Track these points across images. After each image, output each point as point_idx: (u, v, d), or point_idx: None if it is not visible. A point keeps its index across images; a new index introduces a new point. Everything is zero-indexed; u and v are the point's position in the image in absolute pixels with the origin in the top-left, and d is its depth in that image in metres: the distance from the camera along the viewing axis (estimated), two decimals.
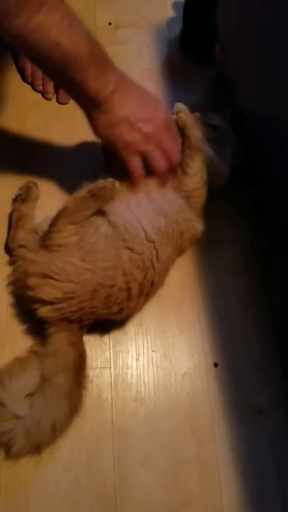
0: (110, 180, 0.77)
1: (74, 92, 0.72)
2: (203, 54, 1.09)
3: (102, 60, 0.70)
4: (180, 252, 0.83)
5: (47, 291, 0.72)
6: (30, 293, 0.73)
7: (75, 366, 0.73)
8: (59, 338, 0.74)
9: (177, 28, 1.13)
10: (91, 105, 0.72)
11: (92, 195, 0.76)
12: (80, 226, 0.77)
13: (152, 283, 0.77)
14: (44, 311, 0.73)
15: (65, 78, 0.68)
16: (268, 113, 0.80)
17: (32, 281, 0.73)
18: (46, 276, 0.73)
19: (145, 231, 0.76)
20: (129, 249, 0.75)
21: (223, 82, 1.01)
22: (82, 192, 0.77)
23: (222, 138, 0.88)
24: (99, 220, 0.78)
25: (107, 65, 0.71)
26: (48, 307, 0.73)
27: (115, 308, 0.75)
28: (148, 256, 0.76)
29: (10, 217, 0.87)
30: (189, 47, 1.11)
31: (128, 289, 0.74)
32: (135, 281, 0.74)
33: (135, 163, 0.77)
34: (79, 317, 0.74)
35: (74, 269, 0.73)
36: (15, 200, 0.88)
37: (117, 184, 0.77)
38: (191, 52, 1.11)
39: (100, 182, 0.77)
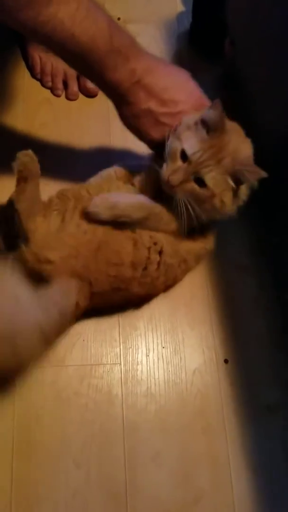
0: (20, 153, 0.72)
1: (96, 81, 0.70)
2: (212, 49, 1.08)
3: (124, 50, 0.65)
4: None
5: (52, 254, 0.69)
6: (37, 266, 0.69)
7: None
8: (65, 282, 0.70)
9: (187, 23, 1.12)
10: (114, 95, 0.69)
11: (19, 179, 0.71)
12: (49, 210, 0.74)
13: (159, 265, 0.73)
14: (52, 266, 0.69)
15: (85, 68, 0.66)
16: (280, 107, 0.80)
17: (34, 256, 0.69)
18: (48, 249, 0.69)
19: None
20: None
21: (232, 77, 1.00)
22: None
23: None
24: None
25: (131, 53, 0.66)
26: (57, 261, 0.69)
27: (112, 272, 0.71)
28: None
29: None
30: (199, 42, 1.11)
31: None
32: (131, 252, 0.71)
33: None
34: (87, 278, 0.70)
35: (73, 237, 0.70)
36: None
37: (30, 151, 0.72)
38: (201, 46, 1.10)
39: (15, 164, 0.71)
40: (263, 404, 0.79)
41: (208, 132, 0.67)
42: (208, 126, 0.66)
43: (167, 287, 0.79)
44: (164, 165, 0.69)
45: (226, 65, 1.06)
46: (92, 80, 0.71)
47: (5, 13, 0.59)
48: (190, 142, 0.67)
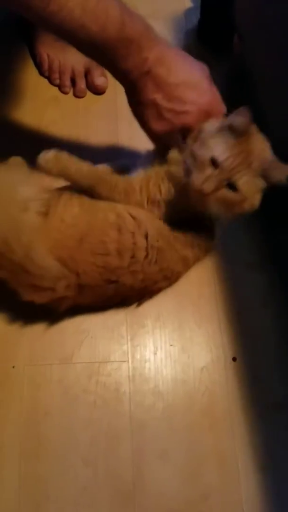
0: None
1: (108, 69, 0.69)
2: (221, 45, 1.07)
3: (137, 37, 0.64)
4: None
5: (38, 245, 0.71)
6: None
7: None
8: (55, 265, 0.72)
9: (195, 19, 1.12)
10: (125, 82, 0.69)
11: None
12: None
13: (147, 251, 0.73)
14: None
15: (97, 56, 0.66)
16: None
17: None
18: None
19: None
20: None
21: (241, 73, 0.99)
22: None
23: None
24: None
25: (144, 42, 0.64)
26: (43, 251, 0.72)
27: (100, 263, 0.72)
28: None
29: None
30: (207, 38, 1.10)
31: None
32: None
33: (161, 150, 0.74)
34: (75, 269, 0.71)
35: (56, 231, 0.72)
36: None
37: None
38: (209, 42, 1.09)
39: None
40: (271, 402, 0.79)
41: (236, 137, 0.66)
42: (236, 132, 0.66)
43: (167, 279, 0.78)
44: (194, 175, 0.67)
45: (234, 61, 1.05)
46: (105, 67, 0.71)
47: (17, 2, 0.58)
48: (219, 148, 0.66)
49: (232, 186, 0.66)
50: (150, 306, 0.83)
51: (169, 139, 0.72)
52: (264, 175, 0.67)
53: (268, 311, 0.85)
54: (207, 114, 0.69)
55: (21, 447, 0.73)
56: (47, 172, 0.72)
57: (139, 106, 0.70)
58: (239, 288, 0.87)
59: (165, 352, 0.82)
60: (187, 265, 0.80)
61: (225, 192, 0.67)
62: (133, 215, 0.74)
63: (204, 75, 0.70)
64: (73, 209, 0.75)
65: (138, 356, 0.81)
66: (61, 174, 0.73)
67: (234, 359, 0.82)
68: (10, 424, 0.74)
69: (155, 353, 0.82)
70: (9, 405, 0.75)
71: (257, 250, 0.90)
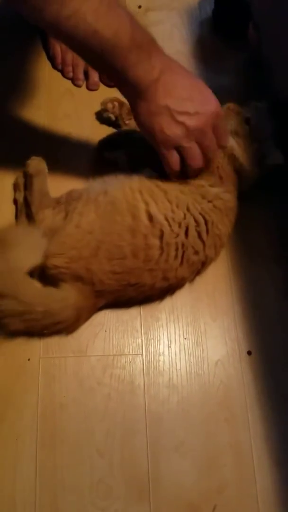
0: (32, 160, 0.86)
1: (116, 79, 0.69)
2: (236, 35, 1.06)
3: (146, 45, 0.65)
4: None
5: (57, 260, 0.76)
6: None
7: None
8: (69, 292, 0.76)
9: (209, 9, 1.11)
10: (133, 93, 0.69)
11: (25, 175, 0.85)
12: (58, 206, 0.81)
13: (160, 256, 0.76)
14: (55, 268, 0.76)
15: (106, 65, 0.65)
16: None
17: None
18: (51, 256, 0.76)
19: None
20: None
21: (257, 63, 0.98)
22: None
23: (251, 134, 0.84)
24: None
25: (152, 50, 0.66)
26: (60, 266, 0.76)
27: (117, 268, 0.75)
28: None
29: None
30: (221, 28, 1.09)
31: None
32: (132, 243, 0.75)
33: (173, 158, 0.74)
34: (90, 280, 0.75)
35: (72, 238, 0.76)
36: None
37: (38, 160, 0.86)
38: (224, 33, 1.08)
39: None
40: (287, 396, 0.78)
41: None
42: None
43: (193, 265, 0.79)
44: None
45: (249, 50, 1.04)
46: (112, 77, 0.71)
47: (30, 6, 0.58)
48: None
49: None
50: (164, 300, 0.83)
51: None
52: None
53: (284, 305, 0.84)
54: (216, 116, 0.72)
55: (38, 438, 0.73)
56: None
57: (150, 116, 0.70)
58: (255, 281, 0.86)
59: (180, 345, 0.82)
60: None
61: None
62: (151, 214, 0.76)
63: (202, 83, 0.73)
64: (90, 214, 0.77)
65: (152, 350, 0.81)
66: None
67: (249, 352, 0.81)
68: (27, 416, 0.75)
69: (169, 347, 0.82)
70: (25, 397, 0.76)
71: (275, 243, 0.89)
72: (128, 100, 0.72)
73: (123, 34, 0.62)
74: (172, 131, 0.70)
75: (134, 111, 0.72)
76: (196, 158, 0.75)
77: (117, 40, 0.62)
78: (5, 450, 0.73)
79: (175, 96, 0.69)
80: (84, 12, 0.59)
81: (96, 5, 0.60)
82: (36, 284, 0.78)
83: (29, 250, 0.76)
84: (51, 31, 0.63)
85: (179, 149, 0.73)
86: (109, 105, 0.95)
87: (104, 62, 0.65)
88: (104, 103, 0.95)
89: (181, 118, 0.69)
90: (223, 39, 1.08)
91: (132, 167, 0.86)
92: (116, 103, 0.95)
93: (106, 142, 0.92)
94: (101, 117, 0.97)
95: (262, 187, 0.88)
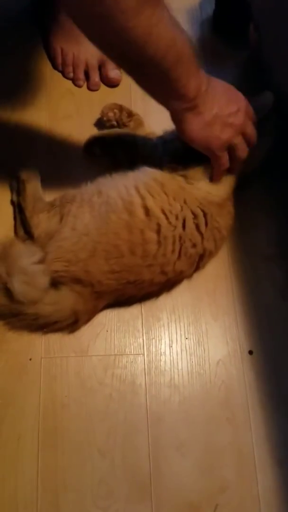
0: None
1: (164, 91, 0.69)
2: (236, 35, 1.06)
3: (193, 56, 0.66)
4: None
5: (54, 266, 0.76)
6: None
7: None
8: (66, 295, 0.76)
9: (209, 9, 1.10)
10: (181, 106, 0.69)
11: (18, 180, 0.86)
12: (52, 209, 0.81)
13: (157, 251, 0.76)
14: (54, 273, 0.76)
15: (161, 73, 0.64)
16: None
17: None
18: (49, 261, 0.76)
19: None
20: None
21: (257, 63, 0.98)
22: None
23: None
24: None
25: (196, 62, 0.67)
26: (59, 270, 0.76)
27: (116, 267, 0.75)
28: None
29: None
30: (222, 29, 1.09)
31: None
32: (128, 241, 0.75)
33: (225, 158, 0.77)
34: (89, 282, 0.75)
35: (69, 241, 0.76)
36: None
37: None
38: (224, 33, 1.08)
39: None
40: None
41: None
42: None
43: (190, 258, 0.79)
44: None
45: (250, 51, 1.04)
46: (162, 92, 0.70)
47: (98, 14, 0.56)
48: None
49: None
50: (165, 299, 0.84)
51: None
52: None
53: (285, 304, 0.84)
54: (248, 106, 0.77)
55: (39, 438, 0.73)
56: None
57: (206, 128, 0.72)
58: (256, 280, 0.86)
59: (181, 345, 0.82)
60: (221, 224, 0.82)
61: None
62: (148, 207, 0.76)
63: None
64: (85, 216, 0.77)
65: (153, 349, 0.81)
66: None
67: (250, 352, 0.81)
68: (28, 415, 0.75)
69: (170, 346, 0.82)
70: (27, 397, 0.76)
71: (276, 242, 0.89)
72: (173, 115, 0.72)
73: (185, 45, 0.64)
74: (227, 135, 0.74)
75: (184, 127, 0.72)
76: (244, 150, 0.78)
77: (185, 49, 0.63)
78: (6, 450, 0.73)
79: (220, 103, 0.72)
80: (166, 20, 0.60)
81: (169, 15, 0.60)
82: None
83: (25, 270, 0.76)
84: (132, 43, 0.59)
85: (229, 147, 0.77)
86: (110, 114, 0.94)
87: (160, 71, 0.64)
88: (104, 113, 0.94)
89: (230, 120, 0.73)
90: (224, 39, 1.08)
91: (126, 165, 0.86)
92: (116, 110, 0.94)
93: (97, 139, 0.93)
94: (103, 125, 0.96)
95: (262, 187, 0.89)
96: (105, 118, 0.95)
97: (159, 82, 0.67)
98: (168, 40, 0.61)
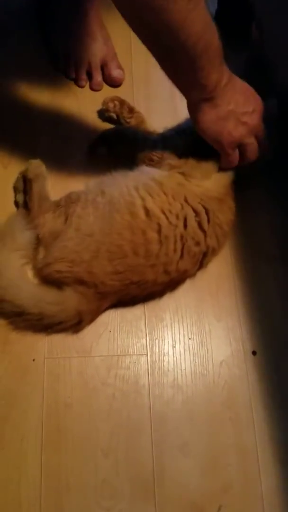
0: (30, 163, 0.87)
1: (185, 79, 0.69)
2: (239, 35, 1.06)
3: (220, 49, 0.68)
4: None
5: (58, 266, 0.77)
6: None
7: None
8: (69, 296, 0.76)
9: (212, 9, 1.10)
10: (199, 96, 0.70)
11: (24, 180, 0.86)
12: (58, 209, 0.82)
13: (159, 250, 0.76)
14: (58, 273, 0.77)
15: (189, 64, 0.66)
16: None
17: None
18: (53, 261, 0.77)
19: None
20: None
21: (260, 62, 0.97)
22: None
23: None
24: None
25: (221, 56, 0.69)
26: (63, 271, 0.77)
27: (119, 267, 0.75)
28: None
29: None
30: (225, 27, 1.07)
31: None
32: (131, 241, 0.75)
33: (235, 156, 0.78)
34: (93, 282, 0.75)
35: (73, 241, 0.77)
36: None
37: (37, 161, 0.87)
38: (227, 31, 1.06)
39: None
40: None
41: None
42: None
43: (194, 257, 0.79)
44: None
45: (253, 50, 1.04)
46: (178, 76, 0.71)
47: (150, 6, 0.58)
48: None
49: None
50: (168, 300, 0.84)
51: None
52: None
53: None
54: (262, 108, 0.78)
55: (43, 438, 0.74)
56: None
57: (219, 121, 0.73)
58: (259, 281, 0.86)
59: (184, 345, 0.82)
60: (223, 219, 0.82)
61: None
62: (148, 208, 0.77)
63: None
64: (89, 217, 0.78)
65: (156, 350, 0.81)
66: None
67: (254, 352, 0.81)
68: (31, 415, 0.75)
69: (173, 347, 0.82)
70: (30, 397, 0.76)
71: (278, 243, 0.89)
72: (190, 104, 0.73)
73: (214, 37, 0.65)
74: (239, 132, 0.75)
75: (198, 117, 0.73)
76: (254, 152, 0.79)
77: (213, 39, 0.65)
78: (10, 450, 0.73)
79: (237, 100, 0.73)
80: (201, 7, 0.61)
81: (203, 3, 0.61)
82: (31, 286, 0.80)
83: (13, 245, 0.78)
84: (167, 26, 0.60)
85: (240, 146, 0.77)
86: (110, 105, 0.95)
87: (189, 57, 0.65)
88: (105, 103, 0.96)
89: (244, 118, 0.74)
90: (226, 37, 1.06)
91: (127, 165, 0.87)
92: (117, 102, 0.95)
93: (102, 139, 0.93)
94: (103, 116, 0.97)
95: (264, 187, 0.88)
96: (104, 107, 0.96)
97: (185, 70, 0.68)
98: (200, 28, 0.62)
